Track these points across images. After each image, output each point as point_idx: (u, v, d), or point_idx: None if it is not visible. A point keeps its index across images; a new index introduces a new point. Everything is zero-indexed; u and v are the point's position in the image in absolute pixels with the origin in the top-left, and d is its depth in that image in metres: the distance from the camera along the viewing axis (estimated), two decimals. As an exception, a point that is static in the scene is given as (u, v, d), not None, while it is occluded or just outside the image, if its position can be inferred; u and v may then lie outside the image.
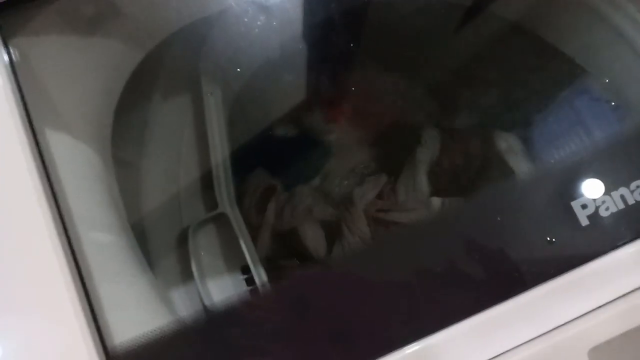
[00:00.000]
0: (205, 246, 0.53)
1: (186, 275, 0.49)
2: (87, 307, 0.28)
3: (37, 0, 0.32)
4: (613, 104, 0.47)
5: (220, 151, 0.53)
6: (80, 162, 0.37)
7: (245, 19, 0.48)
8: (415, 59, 0.69)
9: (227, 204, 0.53)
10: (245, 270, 0.51)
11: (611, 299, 0.28)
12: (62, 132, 0.36)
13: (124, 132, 0.46)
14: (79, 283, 0.29)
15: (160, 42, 0.41)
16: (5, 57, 0.31)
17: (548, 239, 0.29)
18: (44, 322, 0.28)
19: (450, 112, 0.72)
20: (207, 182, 0.54)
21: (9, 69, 0.31)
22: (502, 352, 0.27)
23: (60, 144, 0.35)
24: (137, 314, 0.31)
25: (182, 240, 0.52)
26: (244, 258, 0.50)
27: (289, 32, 0.52)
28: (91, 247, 0.31)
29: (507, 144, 0.60)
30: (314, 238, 0.55)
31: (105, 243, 0.36)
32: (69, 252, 0.29)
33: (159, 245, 0.50)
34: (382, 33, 0.65)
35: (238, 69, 0.53)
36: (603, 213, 0.30)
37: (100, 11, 0.38)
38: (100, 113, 0.40)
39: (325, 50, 0.61)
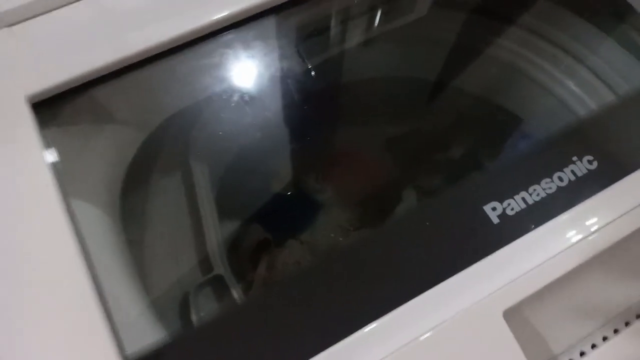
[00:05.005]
0: (205, 306, 0.62)
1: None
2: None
3: (63, 100, 0.45)
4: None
5: (211, 219, 0.64)
6: (102, 231, 0.48)
7: (232, 98, 0.60)
8: (397, 127, 0.83)
9: (221, 265, 0.63)
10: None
11: (519, 274, 0.38)
12: (86, 207, 0.48)
13: (130, 210, 0.58)
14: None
15: (155, 129, 0.54)
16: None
17: (468, 235, 0.40)
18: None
19: (425, 174, 0.84)
20: (203, 247, 0.64)
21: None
22: (422, 332, 0.36)
23: (85, 216, 0.46)
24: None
25: (183, 305, 0.61)
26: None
27: (274, 107, 0.65)
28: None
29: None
30: None
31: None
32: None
33: (165, 309, 0.59)
34: (365, 107, 0.79)
35: (225, 142, 0.65)
36: (509, 212, 0.41)
37: (103, 114, 0.51)
38: (110, 190, 0.52)
39: (312, 124, 0.74)
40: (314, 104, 0.72)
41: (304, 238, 0.75)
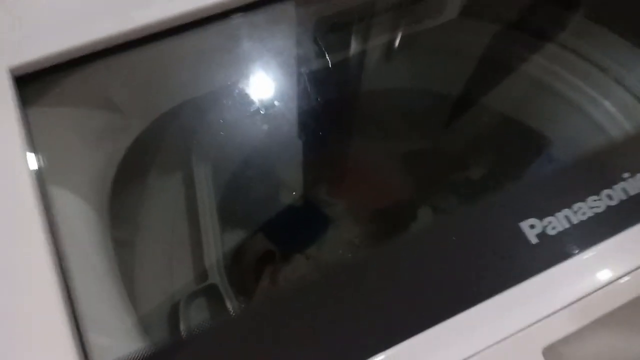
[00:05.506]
0: (196, 318, 0.56)
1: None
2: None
3: (51, 77, 0.40)
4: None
5: (210, 225, 0.59)
6: (83, 226, 0.43)
7: (242, 96, 0.56)
8: (411, 144, 0.78)
9: (217, 274, 0.57)
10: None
11: (561, 306, 0.32)
12: (67, 198, 0.43)
13: (119, 211, 0.53)
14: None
15: (153, 121, 0.49)
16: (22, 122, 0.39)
17: (501, 256, 0.34)
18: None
19: (444, 193, 0.79)
20: (199, 253, 0.59)
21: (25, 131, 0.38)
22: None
23: (65, 209, 0.41)
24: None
25: (174, 314, 0.56)
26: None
27: (287, 110, 0.61)
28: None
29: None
30: None
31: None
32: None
33: (151, 318, 0.54)
34: (382, 120, 0.75)
35: (233, 144, 0.60)
36: (550, 232, 0.35)
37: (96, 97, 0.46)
38: (99, 183, 0.47)
39: (327, 133, 0.70)
40: (329, 112, 0.68)
41: (310, 253, 0.70)
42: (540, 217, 0.36)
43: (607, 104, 0.58)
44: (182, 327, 0.53)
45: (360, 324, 0.32)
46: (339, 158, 0.75)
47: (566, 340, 0.31)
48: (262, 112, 0.60)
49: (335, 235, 0.72)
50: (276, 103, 0.61)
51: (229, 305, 0.55)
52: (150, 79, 0.48)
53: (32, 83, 0.40)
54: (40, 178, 0.38)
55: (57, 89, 0.42)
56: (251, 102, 0.58)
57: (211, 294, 0.57)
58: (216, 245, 0.61)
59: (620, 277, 0.33)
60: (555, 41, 0.67)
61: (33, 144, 0.38)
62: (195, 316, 0.56)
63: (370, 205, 0.77)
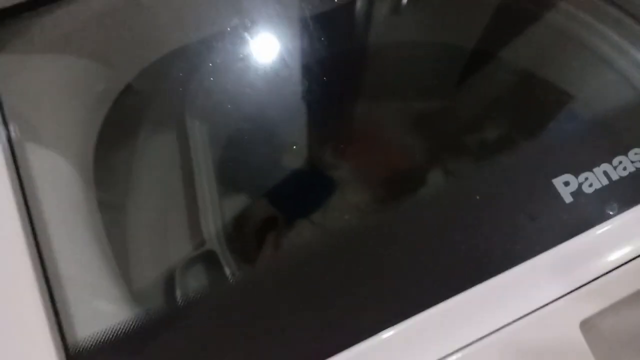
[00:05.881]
0: (194, 287, 0.53)
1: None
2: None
3: (22, 15, 0.35)
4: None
5: (207, 188, 0.55)
6: (62, 190, 0.39)
7: (243, 46, 0.51)
8: (424, 102, 0.73)
9: (215, 240, 0.54)
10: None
11: (598, 274, 0.28)
12: (44, 160, 0.38)
13: (107, 170, 0.49)
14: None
15: (142, 70, 0.44)
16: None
17: (531, 216, 0.30)
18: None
19: (457, 156, 0.74)
20: (196, 217, 0.55)
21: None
22: (493, 330, 0.27)
23: (43, 175, 0.37)
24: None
25: (170, 281, 0.52)
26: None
27: (293, 66, 0.56)
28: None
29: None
30: None
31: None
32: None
33: (145, 287, 0.51)
34: (392, 76, 0.70)
35: (232, 100, 0.56)
36: (587, 190, 0.31)
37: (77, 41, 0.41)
38: (81, 143, 0.43)
39: (332, 89, 0.65)
40: (336, 68, 0.63)
41: (315, 218, 0.66)
42: (576, 173, 0.31)
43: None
44: (178, 295, 0.50)
45: (389, 289, 0.29)
46: (346, 118, 0.71)
47: (603, 313, 0.27)
48: (263, 63, 0.55)
49: (342, 199, 0.68)
50: (279, 55, 0.56)
51: (227, 272, 0.52)
52: (136, 25, 0.43)
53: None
54: (11, 134, 0.34)
55: (27, 32, 0.37)
56: (251, 53, 0.53)
57: (209, 260, 0.54)
58: (214, 209, 0.57)
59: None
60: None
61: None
62: (193, 284, 0.52)
63: (377, 169, 0.73)
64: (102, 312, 0.35)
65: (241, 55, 0.53)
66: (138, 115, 0.51)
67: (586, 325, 0.26)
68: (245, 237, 0.62)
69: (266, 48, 0.53)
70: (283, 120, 0.67)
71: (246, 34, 0.51)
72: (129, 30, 0.44)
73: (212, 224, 0.55)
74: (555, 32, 0.63)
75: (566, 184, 0.31)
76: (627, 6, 0.57)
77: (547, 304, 0.27)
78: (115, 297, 0.38)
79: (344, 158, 0.71)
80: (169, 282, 0.52)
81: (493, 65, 0.66)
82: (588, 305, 0.27)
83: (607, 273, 0.28)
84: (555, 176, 0.31)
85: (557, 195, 0.30)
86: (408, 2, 0.64)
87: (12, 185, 0.31)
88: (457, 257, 0.29)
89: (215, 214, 0.56)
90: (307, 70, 0.60)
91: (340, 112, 0.69)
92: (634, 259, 0.29)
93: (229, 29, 0.50)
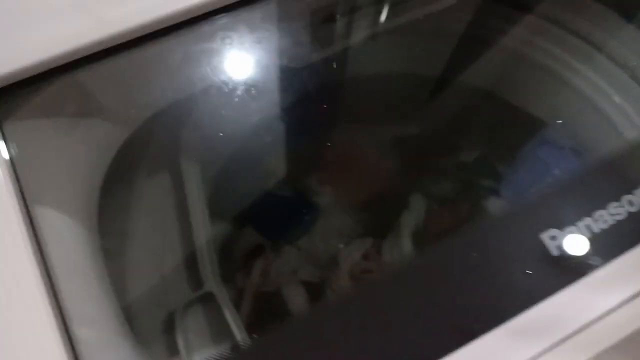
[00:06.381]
0: (193, 327, 0.54)
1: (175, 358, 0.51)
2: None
3: (28, 88, 0.37)
4: (573, 149, 0.52)
5: (202, 229, 0.57)
6: (71, 242, 0.40)
7: (227, 92, 0.53)
8: (401, 129, 0.76)
9: (212, 281, 0.55)
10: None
11: (585, 323, 0.31)
12: (53, 214, 0.40)
13: (109, 215, 0.50)
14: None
15: (141, 123, 0.46)
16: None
17: (522, 271, 0.33)
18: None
19: (434, 177, 0.78)
20: (192, 260, 0.57)
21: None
22: None
23: (51, 225, 0.38)
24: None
25: (170, 323, 0.54)
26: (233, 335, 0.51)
27: (273, 101, 0.58)
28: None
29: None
30: (296, 300, 0.58)
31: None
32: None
33: (147, 331, 0.52)
34: (368, 105, 0.72)
35: (220, 141, 0.58)
36: (571, 243, 0.34)
37: (79, 106, 0.44)
38: (87, 194, 0.44)
39: (312, 118, 0.67)
40: (316, 100, 0.65)
41: (301, 244, 0.68)
42: (560, 227, 0.34)
43: (616, 97, 0.56)
44: (179, 340, 0.51)
45: (370, 353, 0.31)
46: (327, 147, 0.74)
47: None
48: (248, 107, 0.57)
49: (326, 226, 0.71)
50: (262, 97, 0.58)
51: (227, 313, 0.53)
52: (132, 84, 0.45)
53: (6, 96, 0.36)
54: (24, 197, 0.35)
55: (34, 100, 0.39)
56: (236, 98, 0.55)
57: (208, 302, 0.55)
58: (209, 249, 0.58)
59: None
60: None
61: (13, 161, 0.35)
62: (193, 327, 0.54)
63: (360, 194, 0.75)
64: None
65: (228, 103, 0.55)
66: (136, 165, 0.52)
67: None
68: (237, 269, 0.64)
69: (251, 94, 0.55)
70: (268, 157, 0.69)
71: (230, 85, 0.53)
72: (123, 91, 0.46)
73: (209, 266, 0.56)
74: (526, 63, 0.67)
75: (552, 238, 0.34)
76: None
77: (536, 356, 0.30)
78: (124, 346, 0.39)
79: (327, 185, 0.73)
80: (170, 325, 0.53)
81: (462, 95, 0.70)
82: (577, 355, 0.30)
83: (592, 323, 0.31)
84: (542, 230, 0.34)
85: (544, 249, 0.33)
86: (379, 36, 0.66)
87: (31, 249, 0.32)
88: (452, 316, 0.31)
89: (212, 256, 0.57)
90: (289, 109, 0.62)
91: (321, 144, 0.72)
92: (617, 307, 0.32)
93: (212, 82, 0.52)
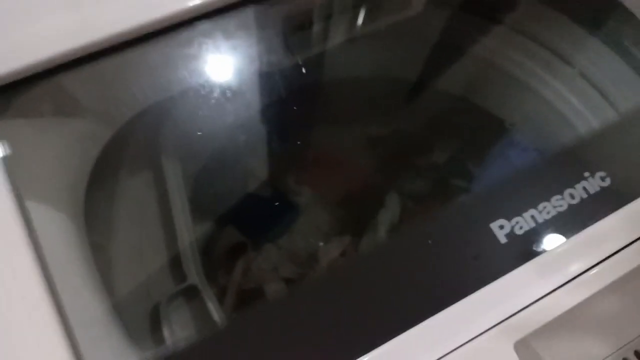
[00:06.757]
0: (177, 319, 0.57)
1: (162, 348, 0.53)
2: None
3: (17, 90, 0.39)
4: (536, 148, 0.56)
5: (184, 226, 0.59)
6: (62, 237, 0.43)
7: (208, 94, 0.55)
8: (376, 130, 0.79)
9: (195, 275, 0.58)
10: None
11: (529, 302, 0.34)
12: (44, 210, 0.42)
13: (95, 212, 0.52)
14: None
15: (124, 124, 0.49)
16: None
17: (473, 256, 0.36)
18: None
19: (409, 176, 0.81)
20: (175, 254, 0.60)
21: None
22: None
23: (43, 221, 0.40)
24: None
25: (156, 315, 0.56)
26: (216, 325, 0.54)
27: (250, 104, 0.61)
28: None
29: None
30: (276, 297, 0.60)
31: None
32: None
33: (133, 322, 0.54)
34: (344, 106, 0.75)
35: (199, 141, 0.60)
36: (517, 231, 0.37)
37: (65, 107, 0.46)
38: (74, 191, 0.47)
39: (289, 120, 0.70)
40: (294, 102, 0.68)
41: (281, 243, 0.71)
42: (509, 218, 0.38)
43: (572, 98, 0.60)
44: (165, 332, 0.54)
45: (340, 330, 0.34)
46: (304, 148, 0.76)
47: (536, 333, 0.33)
48: (227, 107, 0.60)
49: (305, 224, 0.73)
50: (238, 100, 0.61)
51: (209, 305, 0.56)
52: (116, 86, 0.48)
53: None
54: (16, 191, 0.38)
55: (22, 101, 0.41)
56: (216, 100, 0.58)
57: (191, 294, 0.58)
58: (191, 242, 0.61)
59: (583, 273, 0.36)
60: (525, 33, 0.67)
61: (5, 160, 0.38)
62: (177, 319, 0.56)
63: (338, 193, 0.78)
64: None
65: (208, 104, 0.58)
66: (121, 164, 0.55)
67: (520, 346, 0.33)
68: (220, 265, 0.66)
69: (230, 96, 0.58)
70: (247, 157, 0.72)
71: (210, 86, 0.56)
72: (107, 92, 0.48)
73: (191, 259, 0.59)
74: (493, 69, 0.71)
75: (501, 227, 0.37)
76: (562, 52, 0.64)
77: (484, 332, 0.33)
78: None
79: (305, 185, 0.76)
80: (155, 317, 0.56)
81: (435, 98, 0.73)
82: (522, 327, 0.34)
83: (536, 301, 0.35)
84: (492, 221, 0.37)
85: (494, 237, 0.37)
86: (352, 42, 0.69)
87: (27, 244, 0.35)
88: (407, 297, 0.35)
89: (194, 249, 0.60)
90: (266, 111, 0.65)
91: (299, 145, 0.75)
92: (558, 287, 0.35)
93: (193, 84, 0.54)
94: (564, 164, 0.41)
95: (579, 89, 0.60)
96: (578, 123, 0.58)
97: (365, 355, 0.33)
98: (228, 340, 0.35)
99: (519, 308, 0.34)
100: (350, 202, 0.77)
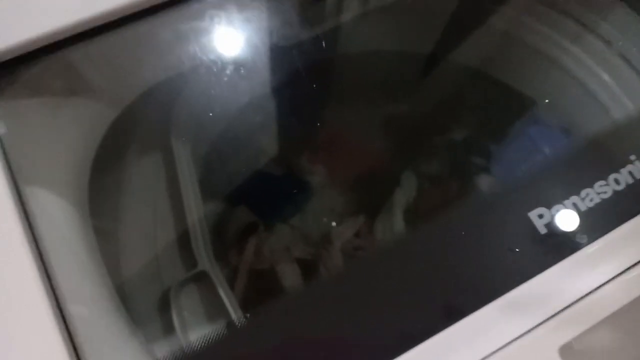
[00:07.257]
0: (187, 306, 0.55)
1: (171, 336, 0.51)
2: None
3: (17, 67, 0.36)
4: (563, 127, 0.53)
5: (195, 208, 0.57)
6: (62, 222, 0.40)
7: (218, 70, 0.52)
8: (393, 107, 0.76)
9: (206, 260, 0.55)
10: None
11: (573, 300, 0.31)
12: (44, 193, 0.39)
13: (100, 195, 0.50)
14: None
15: (131, 102, 0.46)
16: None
17: (511, 249, 0.33)
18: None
19: (426, 155, 0.78)
20: (185, 238, 0.57)
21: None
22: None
23: (42, 205, 0.38)
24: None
25: (165, 302, 0.54)
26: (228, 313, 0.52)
27: (264, 80, 0.58)
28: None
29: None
30: (290, 277, 0.58)
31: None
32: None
33: (141, 310, 0.52)
34: (359, 83, 0.72)
35: (210, 119, 0.57)
36: (559, 221, 0.34)
37: (69, 84, 0.43)
38: (77, 174, 0.44)
39: (303, 97, 0.67)
40: (308, 78, 0.65)
41: (294, 222, 0.69)
42: (548, 206, 0.34)
43: (605, 77, 0.56)
44: (175, 318, 0.51)
45: (376, 326, 0.31)
46: (318, 126, 0.73)
47: (581, 337, 0.30)
48: (238, 86, 0.57)
49: (318, 203, 0.71)
50: (252, 76, 0.58)
51: (220, 291, 0.54)
52: (121, 63, 0.45)
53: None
54: (14, 177, 0.35)
55: (23, 79, 0.38)
56: (228, 76, 0.54)
57: (201, 280, 0.56)
58: (202, 227, 0.58)
59: (634, 265, 0.32)
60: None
61: (2, 140, 0.35)
62: (187, 304, 0.54)
63: (351, 172, 0.75)
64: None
65: (218, 81, 0.54)
66: (127, 145, 0.52)
67: (566, 351, 0.30)
68: (231, 247, 0.64)
69: (241, 72, 0.55)
70: (260, 135, 0.69)
71: (221, 62, 0.52)
72: (112, 70, 0.45)
73: (202, 244, 0.57)
74: (521, 46, 0.66)
75: (540, 216, 0.34)
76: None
77: (526, 332, 0.30)
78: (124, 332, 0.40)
79: (318, 164, 0.73)
80: (165, 304, 0.54)
81: (455, 73, 0.69)
82: (568, 330, 0.31)
83: (582, 298, 0.32)
84: (530, 209, 0.34)
85: (532, 227, 0.34)
86: (369, 15, 0.66)
87: (23, 230, 0.32)
88: (443, 293, 0.32)
89: (205, 233, 0.58)
90: (280, 88, 0.62)
91: (312, 123, 0.72)
92: (606, 283, 0.32)
93: (203, 60, 0.51)
94: (606, 146, 0.38)
95: (612, 65, 0.55)
96: (613, 105, 0.54)
97: (406, 353, 0.30)
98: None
99: (565, 306, 0.31)
100: (364, 182, 0.74)
